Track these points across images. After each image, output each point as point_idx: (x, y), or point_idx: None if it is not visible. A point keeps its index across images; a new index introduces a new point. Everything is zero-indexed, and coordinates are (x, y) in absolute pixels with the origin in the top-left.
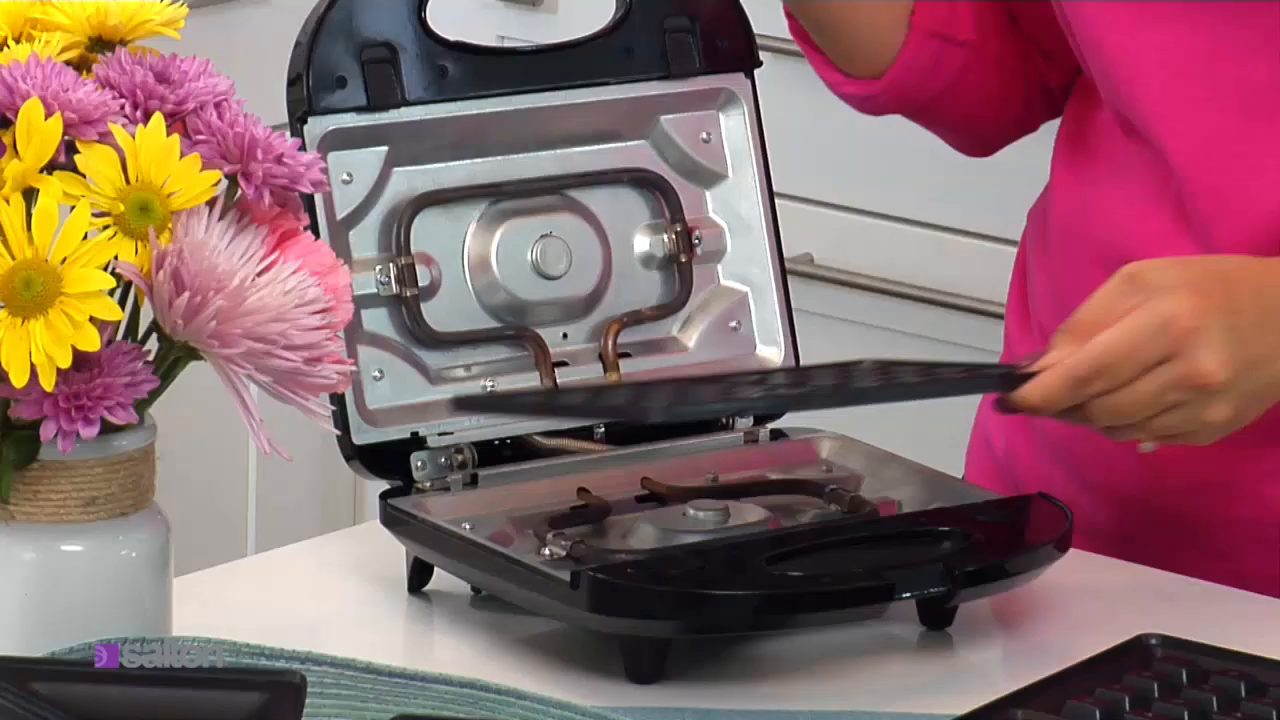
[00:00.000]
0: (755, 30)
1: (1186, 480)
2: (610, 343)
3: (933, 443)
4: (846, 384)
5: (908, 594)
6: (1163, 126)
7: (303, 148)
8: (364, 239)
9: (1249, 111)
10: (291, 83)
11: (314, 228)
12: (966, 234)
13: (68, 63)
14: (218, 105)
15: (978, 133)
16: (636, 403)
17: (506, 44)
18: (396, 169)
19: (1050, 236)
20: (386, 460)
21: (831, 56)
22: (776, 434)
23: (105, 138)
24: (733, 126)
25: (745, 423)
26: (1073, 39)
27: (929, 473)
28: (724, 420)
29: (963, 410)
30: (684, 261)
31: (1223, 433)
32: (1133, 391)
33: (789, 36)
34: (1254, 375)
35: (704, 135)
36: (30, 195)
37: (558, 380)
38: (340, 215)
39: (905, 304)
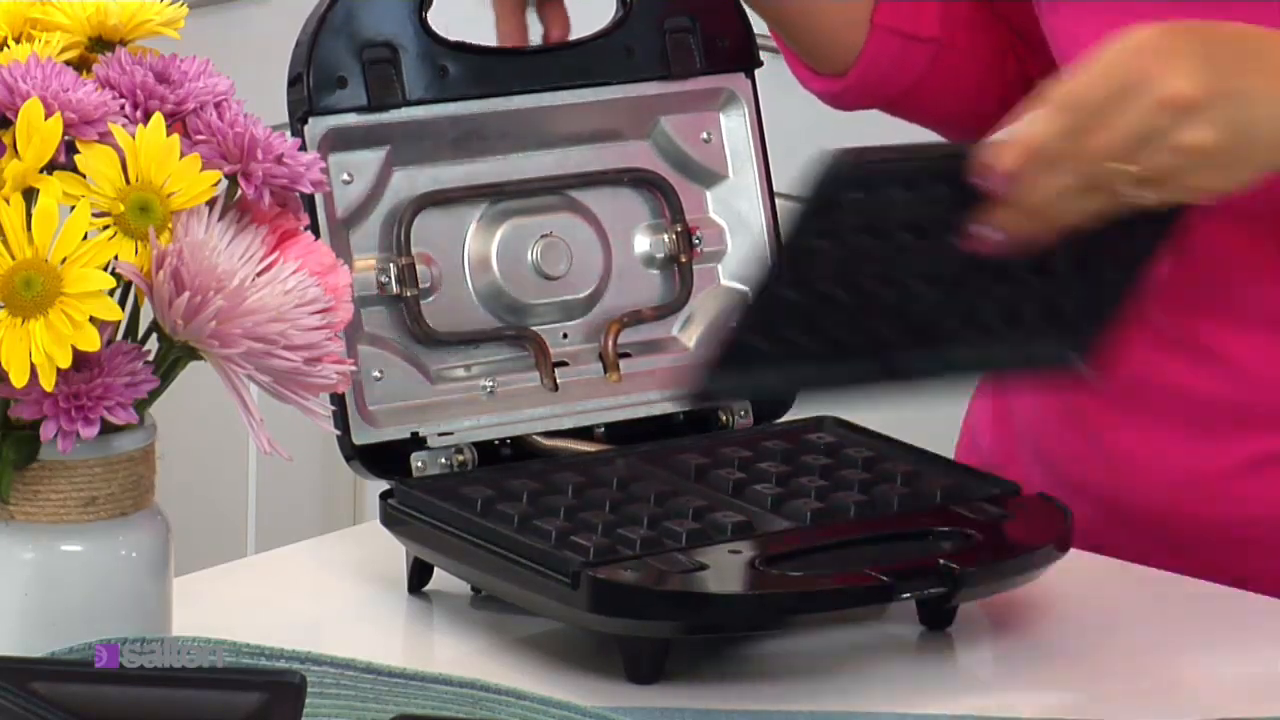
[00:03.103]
0: (755, 30)
1: (1155, 476)
2: (610, 342)
3: (920, 430)
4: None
5: (908, 594)
6: None
7: (303, 148)
8: (364, 239)
9: None
10: (292, 83)
11: (314, 228)
12: None
13: (68, 63)
14: (218, 105)
15: (957, 125)
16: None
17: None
18: (397, 169)
19: None
20: (386, 460)
21: (799, 53)
22: (778, 429)
23: (105, 138)
24: (733, 126)
25: (745, 421)
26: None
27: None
28: (723, 420)
29: (954, 407)
30: (684, 261)
31: (1220, 179)
32: (1116, 124)
33: None
34: (1236, 105)
35: (704, 135)
36: (30, 195)
37: (558, 381)
38: (341, 215)
39: None
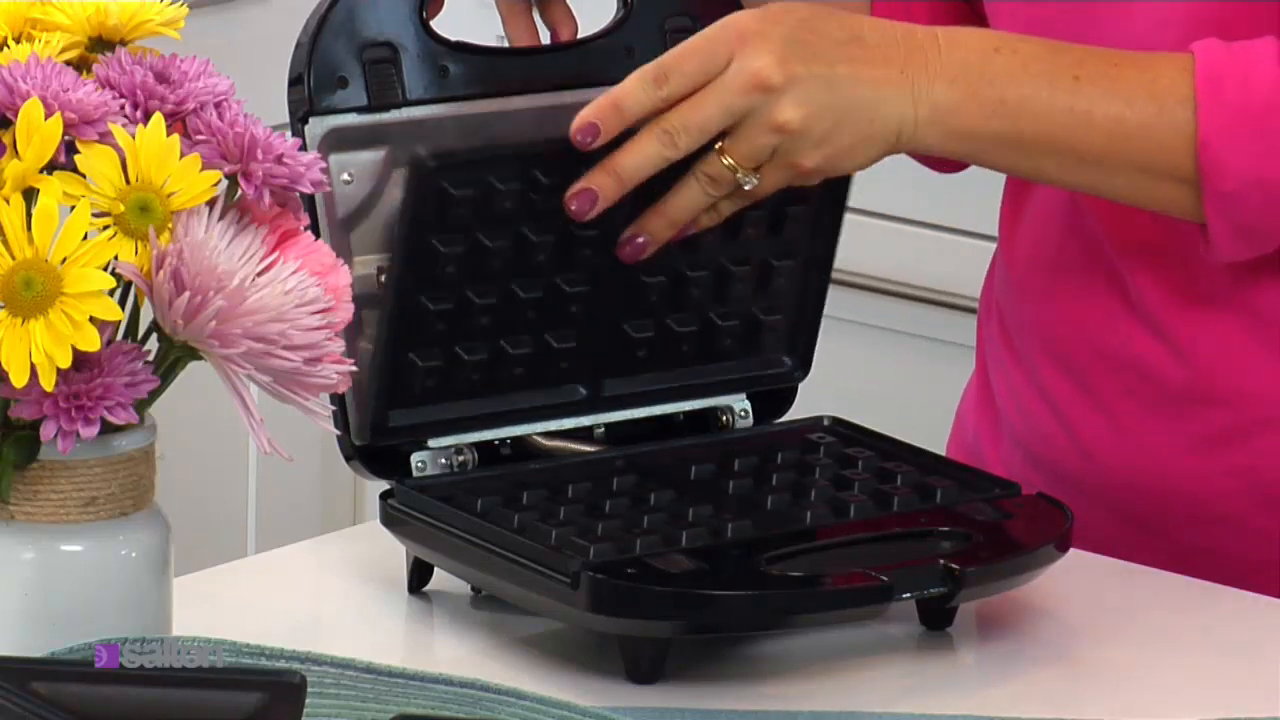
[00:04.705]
0: None
1: (1117, 457)
2: None
3: (916, 429)
4: None
5: (908, 594)
6: None
7: (303, 148)
8: (364, 239)
9: None
10: (293, 83)
11: (314, 228)
12: (965, 233)
13: (68, 63)
14: (218, 105)
15: None
16: None
17: (507, 44)
18: (397, 169)
19: (1002, 214)
20: (386, 460)
21: None
22: (778, 429)
23: (105, 138)
24: None
25: (745, 423)
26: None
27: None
28: (724, 420)
29: (950, 396)
30: None
31: (814, 156)
32: (703, 98)
33: None
34: (819, 85)
35: None
36: (30, 195)
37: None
38: (340, 215)
39: (903, 303)
